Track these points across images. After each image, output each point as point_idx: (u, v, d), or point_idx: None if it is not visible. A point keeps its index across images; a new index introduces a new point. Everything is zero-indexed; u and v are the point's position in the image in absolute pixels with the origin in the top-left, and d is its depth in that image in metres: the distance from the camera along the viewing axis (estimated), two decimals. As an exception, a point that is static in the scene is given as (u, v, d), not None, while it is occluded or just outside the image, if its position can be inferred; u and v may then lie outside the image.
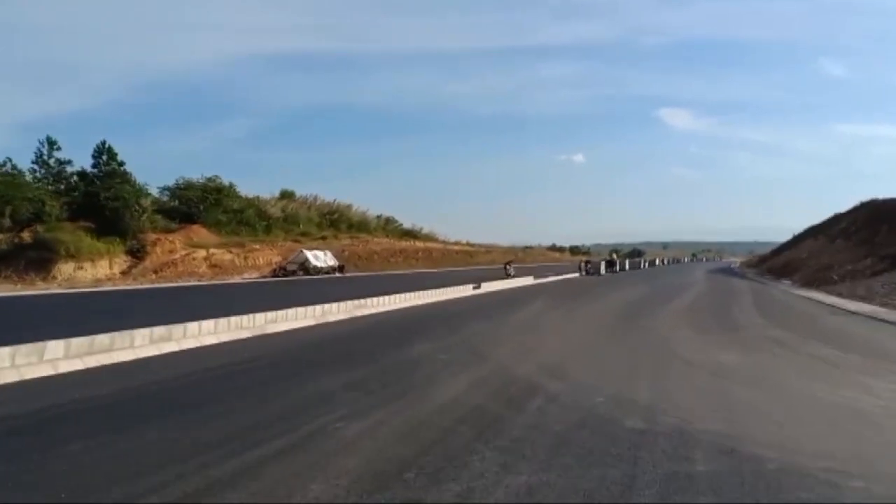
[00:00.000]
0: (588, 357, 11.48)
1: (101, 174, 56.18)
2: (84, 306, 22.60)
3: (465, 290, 29.54)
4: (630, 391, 8.35)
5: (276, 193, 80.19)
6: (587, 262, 60.13)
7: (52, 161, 55.75)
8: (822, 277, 40.69)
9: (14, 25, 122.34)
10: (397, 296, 22.75)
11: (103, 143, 56.98)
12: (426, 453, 5.58)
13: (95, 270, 47.01)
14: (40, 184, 53.42)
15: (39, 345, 9.63)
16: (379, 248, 72.11)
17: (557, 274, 49.47)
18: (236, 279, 48.17)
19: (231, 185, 67.27)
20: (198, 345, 11.60)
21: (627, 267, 72.46)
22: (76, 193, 54.37)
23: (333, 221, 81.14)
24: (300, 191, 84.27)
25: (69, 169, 55.92)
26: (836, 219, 65.29)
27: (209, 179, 65.83)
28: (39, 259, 44.26)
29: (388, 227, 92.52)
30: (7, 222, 46.87)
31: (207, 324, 13.11)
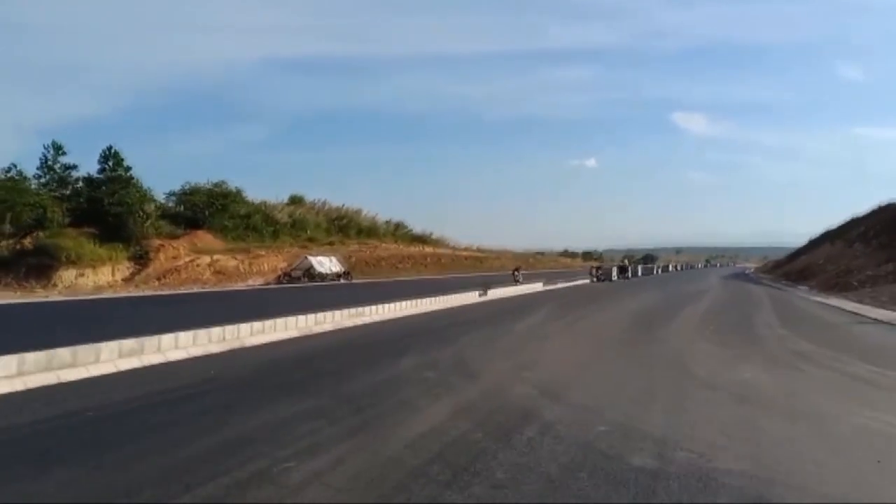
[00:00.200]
0: (592, 375, 10.32)
1: (106, 180, 55.64)
2: (71, 315, 21.74)
3: (471, 297, 28.46)
4: (639, 418, 7.21)
5: (286, 198, 79.79)
6: (598, 268, 58.93)
7: (57, 166, 55.24)
8: (842, 283, 39.43)
9: (25, 29, 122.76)
10: (397, 303, 21.70)
11: (109, 148, 56.34)
12: (383, 507, 4.49)
13: (97, 277, 46.22)
14: (44, 189, 52.81)
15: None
16: (387, 254, 71.09)
17: (568, 280, 48.30)
18: (240, 286, 47.37)
19: (238, 191, 66.46)
20: (163, 360, 10.55)
21: (640, 273, 71.23)
22: (80, 199, 53.77)
23: (342, 227, 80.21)
24: (312, 195, 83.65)
25: (75, 174, 55.25)
26: (854, 223, 63.93)
27: (216, 185, 65.08)
28: (40, 266, 43.52)
29: (397, 232, 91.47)
30: (8, 228, 46.17)
31: (185, 336, 12.09)
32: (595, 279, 52.97)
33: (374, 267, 63.55)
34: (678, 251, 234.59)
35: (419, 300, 23.24)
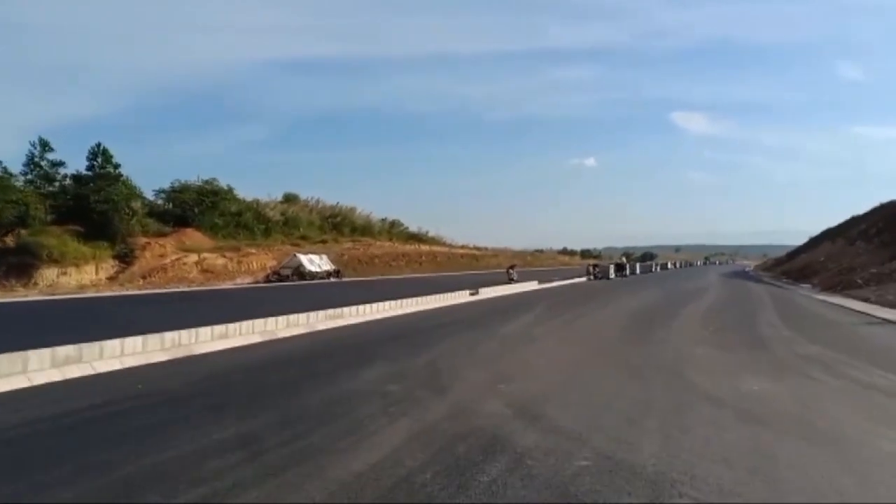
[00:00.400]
0: (579, 387, 9.04)
1: (94, 177, 54.40)
2: (38, 315, 20.56)
3: (461, 297, 27.31)
4: (630, 445, 6.01)
5: (280, 197, 78.72)
6: (595, 266, 57.92)
7: (43, 163, 53.91)
8: (845, 281, 38.37)
9: (22, 28, 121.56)
10: (381, 304, 20.52)
11: (98, 145, 55.19)
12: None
13: (80, 276, 45.11)
14: (30, 186, 51.51)
15: None
16: (381, 252, 69.92)
17: (565, 278, 47.19)
18: (227, 285, 46.17)
19: (229, 188, 65.39)
20: (91, 372, 9.33)
21: (639, 271, 70.19)
22: (67, 196, 52.52)
23: (336, 225, 79.26)
24: (309, 194, 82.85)
25: (63, 171, 53.99)
26: (855, 221, 63.11)
27: (206, 182, 63.97)
28: (21, 264, 42.39)
29: (392, 230, 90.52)
30: (-10, 225, 45.00)
31: (132, 342, 10.91)
32: (592, 277, 51.82)
33: (368, 265, 62.39)
34: (677, 249, 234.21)
35: (405, 300, 22.07)
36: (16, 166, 50.73)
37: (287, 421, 6.78)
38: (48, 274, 42.92)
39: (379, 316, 19.41)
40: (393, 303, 21.27)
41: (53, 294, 36.15)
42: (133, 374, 9.59)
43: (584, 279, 50.18)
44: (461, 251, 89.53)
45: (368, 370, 9.88)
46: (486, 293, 29.94)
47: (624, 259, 74.09)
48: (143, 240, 51.67)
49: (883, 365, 11.01)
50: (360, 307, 19.29)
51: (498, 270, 55.35)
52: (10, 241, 44.98)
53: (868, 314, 21.06)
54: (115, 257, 48.91)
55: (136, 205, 54.61)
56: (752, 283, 50.12)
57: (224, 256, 53.66)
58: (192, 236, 56.92)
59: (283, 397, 7.99)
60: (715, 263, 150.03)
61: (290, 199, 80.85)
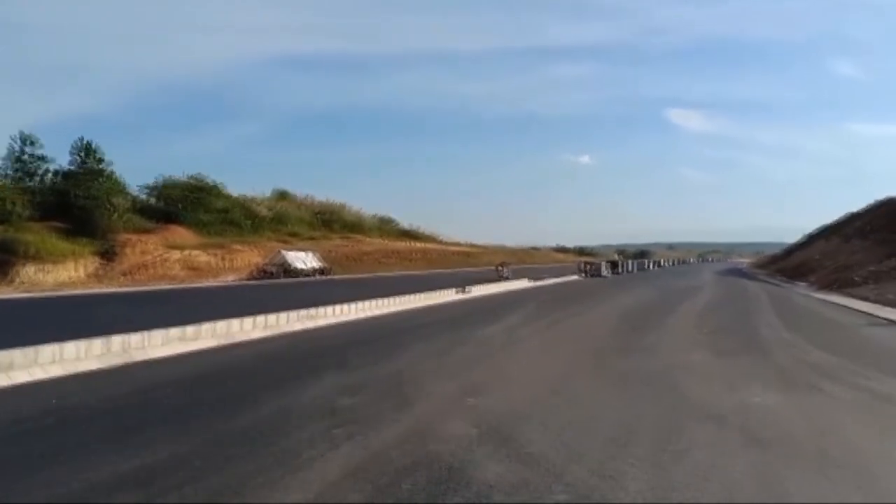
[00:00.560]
0: (559, 402, 7.94)
1: (78, 172, 53.22)
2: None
3: (448, 295, 26.30)
4: (614, 477, 5.00)
5: (271, 193, 77.67)
6: (587, 264, 56.94)
7: (25, 157, 52.63)
8: (842, 279, 37.58)
9: (22, 27, 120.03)
10: (362, 303, 19.48)
11: (82, 139, 54.22)
12: None
13: (60, 273, 43.89)
14: (9, 181, 50.26)
15: None
16: (371, 249, 68.84)
17: (557, 276, 46.25)
18: (212, 282, 45.05)
19: (217, 184, 64.26)
20: (8, 383, 8.24)
21: (633, 268, 69.41)
22: (49, 192, 51.28)
23: (326, 221, 78.23)
24: (308, 192, 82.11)
25: (49, 167, 52.79)
26: (851, 218, 62.43)
27: (193, 178, 62.79)
28: (-1, 261, 41.19)
29: (384, 227, 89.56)
30: (-32, 222, 43.75)
31: (73, 347, 9.85)
32: (585, 275, 50.85)
33: (357, 262, 61.31)
34: (672, 247, 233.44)
35: (388, 299, 21.04)
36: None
37: (206, 449, 5.71)
38: (27, 271, 41.72)
39: (357, 316, 18.38)
40: (374, 302, 20.24)
41: (30, 292, 34.96)
42: (56, 384, 8.49)
43: (576, 277, 49.22)
44: (454, 248, 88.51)
45: (325, 380, 8.83)
46: (475, 291, 28.95)
47: (617, 256, 73.33)
48: (127, 236, 50.46)
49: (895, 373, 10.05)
50: (339, 307, 18.27)
51: (491, 268, 54.37)
52: (-12, 237, 43.75)
53: (871, 314, 20.12)
54: (96, 254, 47.69)
55: (120, 201, 53.35)
56: (747, 280, 49.25)
57: (209, 253, 52.52)
58: (178, 233, 55.76)
59: (214, 416, 6.92)
60: (709, 261, 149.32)
61: (280, 195, 79.85)
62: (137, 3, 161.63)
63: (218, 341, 12.25)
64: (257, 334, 13.60)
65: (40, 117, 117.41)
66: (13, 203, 45.54)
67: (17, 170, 52.53)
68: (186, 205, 58.86)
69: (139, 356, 10.28)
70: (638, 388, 8.71)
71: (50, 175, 53.30)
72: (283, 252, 48.74)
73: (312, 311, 17.19)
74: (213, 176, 64.27)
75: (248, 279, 46.61)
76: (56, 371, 8.93)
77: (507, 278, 38.91)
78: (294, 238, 64.40)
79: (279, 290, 32.73)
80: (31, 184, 51.83)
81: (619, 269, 59.83)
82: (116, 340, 10.57)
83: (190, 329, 12.33)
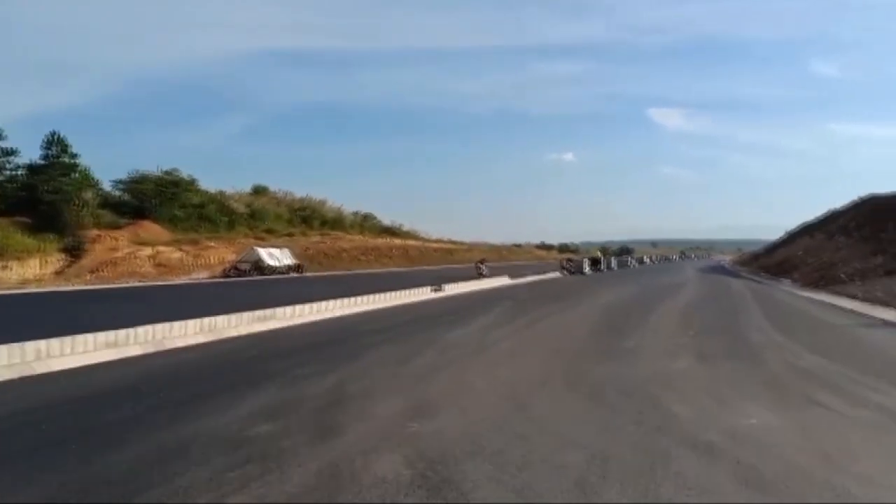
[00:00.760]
0: (519, 427, 6.60)
1: (48, 166, 51.27)
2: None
3: (422, 294, 25.11)
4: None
5: (250, 189, 76.05)
6: (569, 261, 56.11)
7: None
8: (827, 277, 36.93)
9: (11, 22, 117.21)
10: (326, 303, 18.26)
11: (53, 133, 52.21)
12: None
13: (24, 270, 42.11)
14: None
15: None
16: (349, 246, 67.34)
17: (538, 273, 45.22)
18: (182, 280, 43.57)
19: (191, 179, 62.41)
20: None
21: (615, 265, 68.56)
22: (16, 186, 49.34)
23: (305, 218, 76.65)
24: (291, 189, 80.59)
25: (18, 161, 50.74)
26: (833, 215, 61.96)
27: (166, 172, 60.90)
28: (-42, 258, 39.45)
29: (365, 223, 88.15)
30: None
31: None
32: (566, 273, 49.90)
33: (334, 259, 59.87)
34: (654, 244, 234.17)
35: (355, 298, 19.82)
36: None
37: (65, 495, 4.47)
38: (-12, 268, 40.01)
39: (317, 317, 17.13)
40: (340, 301, 18.99)
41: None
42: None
43: (557, 274, 48.23)
44: (435, 245, 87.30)
45: (249, 398, 7.54)
46: (451, 290, 27.79)
47: (599, 253, 72.53)
48: (95, 232, 48.72)
49: (900, 382, 8.99)
50: (299, 307, 17.03)
51: (471, 265, 53.21)
52: (-53, 233, 41.94)
53: (862, 314, 19.17)
54: (63, 250, 45.95)
55: (89, 195, 51.48)
56: (730, 278, 48.49)
57: (181, 250, 50.85)
58: (149, 229, 54.05)
59: (93, 449, 5.62)
60: (691, 258, 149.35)
61: (258, 191, 78.26)
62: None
63: (145, 349, 10.92)
64: (196, 340, 12.29)
65: (19, 112, 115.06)
66: (-26, 198, 43.67)
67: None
68: (160, 200, 57.07)
69: (41, 368, 8.96)
70: (615, 405, 7.53)
71: (19, 170, 51.29)
72: (257, 249, 47.23)
73: (269, 312, 15.95)
74: (199, 172, 62.54)
75: (221, 277, 45.13)
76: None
77: (485, 276, 37.77)
78: (270, 235, 62.88)
79: (248, 288, 31.40)
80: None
81: (601, 267, 58.97)
82: (32, 347, 9.27)
83: (123, 333, 11.03)
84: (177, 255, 49.88)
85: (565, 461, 5.41)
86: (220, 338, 12.83)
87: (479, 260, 45.28)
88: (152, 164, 61.72)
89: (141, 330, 11.37)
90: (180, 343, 11.73)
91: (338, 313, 18.05)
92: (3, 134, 50.15)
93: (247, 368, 9.77)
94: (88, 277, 42.72)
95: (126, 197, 58.13)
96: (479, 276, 37.56)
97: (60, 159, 52.09)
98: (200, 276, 46.10)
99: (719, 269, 67.81)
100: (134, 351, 10.69)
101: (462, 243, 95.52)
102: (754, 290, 33.56)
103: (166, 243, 51.38)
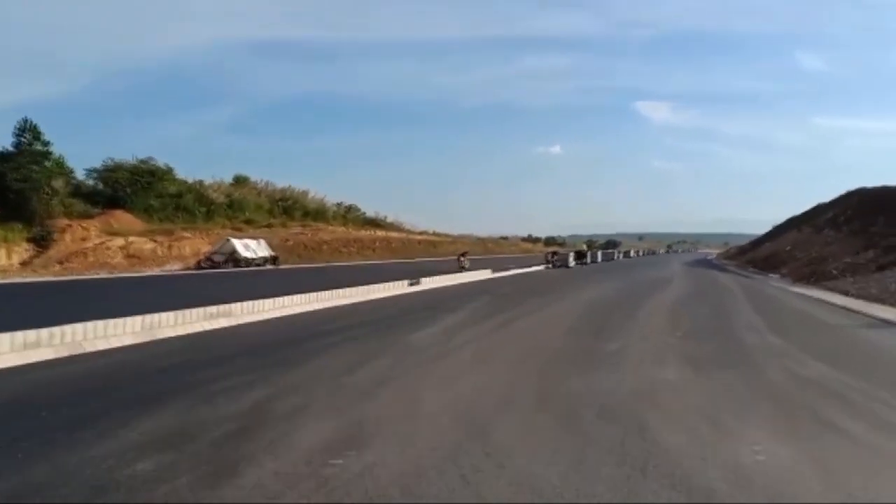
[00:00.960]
0: (474, 463, 5.21)
1: (16, 154, 49.33)
2: None
3: (397, 288, 23.82)
4: None
5: (231, 179, 74.19)
6: (553, 254, 55.15)
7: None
8: (818, 272, 36.12)
9: None
10: (289, 297, 16.93)
11: (25, 120, 50.16)
12: None
13: (-11, 261, 40.49)
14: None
15: None
16: (330, 238, 65.82)
17: (523, 266, 44.04)
18: (154, 271, 42.06)
19: (168, 168, 60.55)
20: None
21: (601, 258, 67.64)
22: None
23: (287, 208, 75.02)
24: (272, 180, 78.78)
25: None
26: (821, 209, 61.39)
27: (142, 161, 59.02)
28: (-82, 249, 37.74)
29: (348, 215, 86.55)
30: None
31: None
32: (550, 266, 48.80)
33: (315, 251, 58.38)
34: (641, 237, 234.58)
35: (322, 293, 18.52)
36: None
37: None
38: (-51, 259, 38.36)
39: (277, 314, 15.81)
40: (305, 296, 17.66)
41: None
42: None
43: (542, 267, 47.08)
44: (419, 237, 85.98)
45: (144, 421, 6.13)
46: (429, 283, 26.50)
47: (585, 247, 71.60)
48: (65, 222, 47.04)
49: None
50: (259, 302, 15.73)
51: (455, 258, 51.92)
52: None
53: (861, 312, 18.06)
54: (30, 240, 44.29)
55: (59, 184, 49.66)
56: (717, 272, 47.53)
57: (154, 241, 49.21)
58: (122, 219, 52.32)
59: None
60: (677, 251, 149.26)
61: (239, 181, 76.43)
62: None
63: (57, 353, 9.50)
64: (122, 341, 10.87)
65: (6, 101, 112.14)
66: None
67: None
68: (134, 189, 55.30)
69: None
70: (592, 432, 6.22)
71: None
72: (232, 240, 45.69)
73: (225, 308, 14.64)
74: (184, 164, 61.00)
75: (195, 268, 43.65)
76: None
77: (466, 269, 36.53)
78: (249, 226, 61.29)
79: (219, 280, 29.96)
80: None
81: (587, 260, 57.97)
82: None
83: (46, 333, 9.67)
84: (150, 245, 48.25)
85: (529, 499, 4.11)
86: (154, 339, 11.42)
87: (460, 253, 43.99)
88: (135, 154, 59.63)
89: (59, 330, 9.98)
90: (102, 346, 10.29)
91: (299, 310, 16.71)
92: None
93: (161, 379, 8.33)
94: (57, 268, 41.12)
95: (99, 186, 56.30)
96: (461, 269, 36.33)
97: (32, 147, 50.26)
98: (174, 267, 44.59)
99: (706, 263, 66.95)
100: (44, 355, 9.27)
101: (447, 236, 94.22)
102: (744, 285, 32.50)
103: (139, 234, 49.75)
